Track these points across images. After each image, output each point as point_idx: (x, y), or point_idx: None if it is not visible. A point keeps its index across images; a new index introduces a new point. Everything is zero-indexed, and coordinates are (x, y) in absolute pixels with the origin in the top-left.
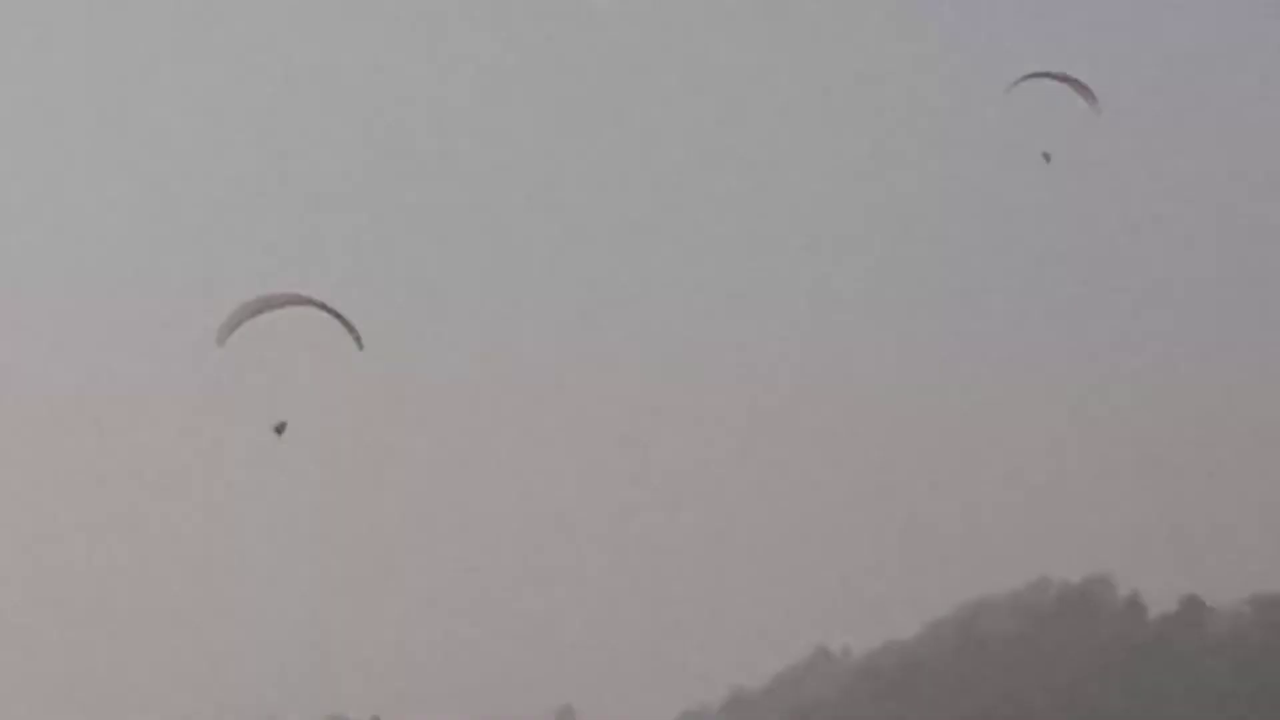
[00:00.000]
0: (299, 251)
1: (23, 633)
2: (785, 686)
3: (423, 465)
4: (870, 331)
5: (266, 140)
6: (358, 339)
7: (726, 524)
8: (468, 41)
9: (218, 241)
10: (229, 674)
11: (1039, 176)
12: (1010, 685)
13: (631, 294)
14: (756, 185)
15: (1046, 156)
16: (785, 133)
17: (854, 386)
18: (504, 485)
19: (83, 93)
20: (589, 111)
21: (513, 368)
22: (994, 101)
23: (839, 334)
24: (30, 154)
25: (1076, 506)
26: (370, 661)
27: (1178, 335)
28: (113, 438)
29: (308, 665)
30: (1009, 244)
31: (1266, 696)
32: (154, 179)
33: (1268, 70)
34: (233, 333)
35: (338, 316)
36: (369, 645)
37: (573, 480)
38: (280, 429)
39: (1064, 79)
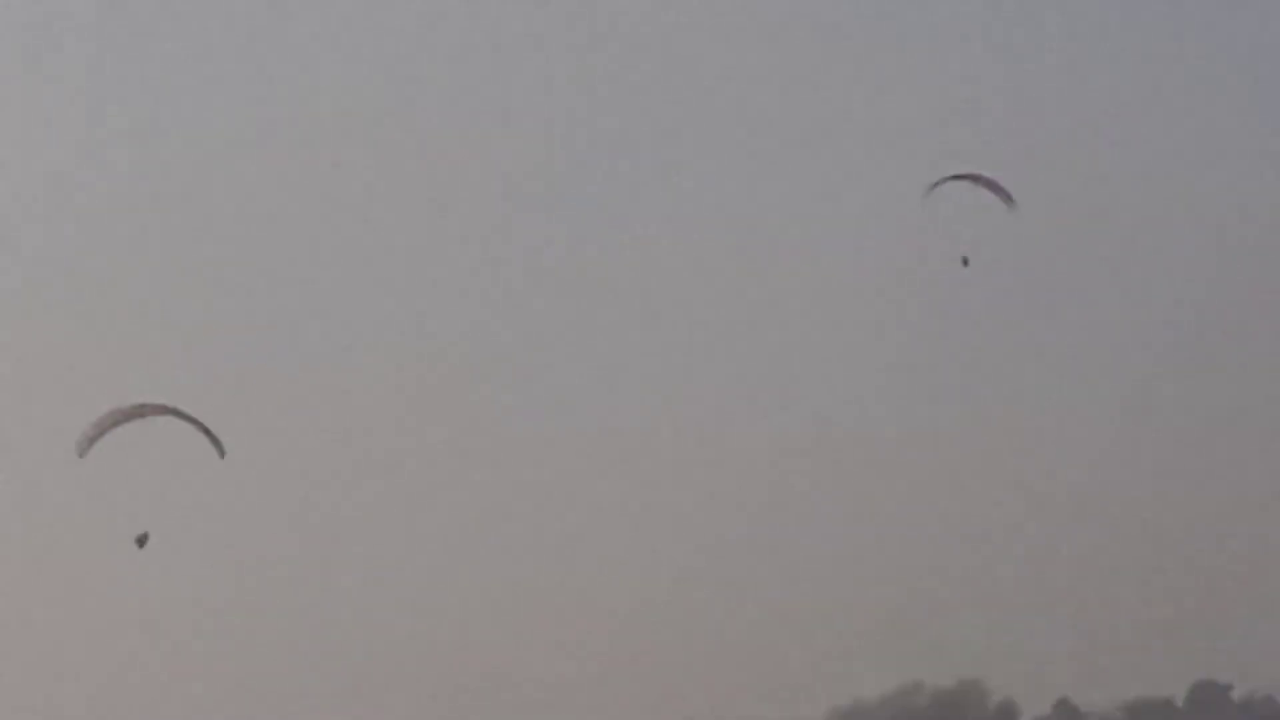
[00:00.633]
0: (155, 364)
1: None
2: None
3: (292, 572)
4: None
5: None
6: (219, 447)
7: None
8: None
9: (77, 352)
10: None
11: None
12: None
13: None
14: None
15: (965, 260)
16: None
17: None
18: (379, 593)
19: None
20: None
21: (385, 481)
22: (912, 207)
23: None
24: None
25: (950, 608)
26: None
27: (1088, 439)
28: None
29: None
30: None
31: None
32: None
33: (1190, 160)
34: (93, 445)
35: (199, 425)
36: None
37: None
38: (142, 541)
39: (979, 180)
